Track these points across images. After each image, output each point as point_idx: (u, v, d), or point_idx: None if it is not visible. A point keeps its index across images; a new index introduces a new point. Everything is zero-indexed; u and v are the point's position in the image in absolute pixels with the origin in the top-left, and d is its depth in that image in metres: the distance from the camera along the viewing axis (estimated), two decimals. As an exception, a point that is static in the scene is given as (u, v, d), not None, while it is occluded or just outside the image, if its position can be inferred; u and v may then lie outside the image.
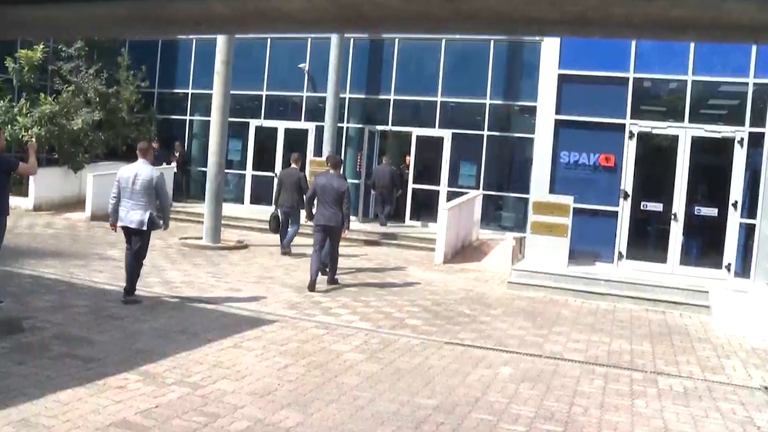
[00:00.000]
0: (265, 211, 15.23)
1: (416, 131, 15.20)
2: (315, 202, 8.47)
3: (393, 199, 14.52)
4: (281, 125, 16.30)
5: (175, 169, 15.72)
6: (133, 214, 6.72)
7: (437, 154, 15.01)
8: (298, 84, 16.12)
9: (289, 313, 6.87)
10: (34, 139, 7.48)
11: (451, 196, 14.20)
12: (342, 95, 15.21)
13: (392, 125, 15.43)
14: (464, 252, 12.17)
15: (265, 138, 16.98)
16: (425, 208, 15.34)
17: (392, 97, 15.30)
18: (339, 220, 8.25)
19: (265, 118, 16.48)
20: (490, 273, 10.54)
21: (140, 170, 6.78)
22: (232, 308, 6.87)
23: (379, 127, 15.49)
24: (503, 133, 14.57)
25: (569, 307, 8.36)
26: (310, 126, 16.00)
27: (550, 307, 8.21)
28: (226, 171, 14.34)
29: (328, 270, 8.54)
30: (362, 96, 15.77)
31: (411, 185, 15.06)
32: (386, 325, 6.70)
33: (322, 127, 15.04)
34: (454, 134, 14.77)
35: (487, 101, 14.48)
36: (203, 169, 15.86)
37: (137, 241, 6.78)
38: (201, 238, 11.41)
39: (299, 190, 10.43)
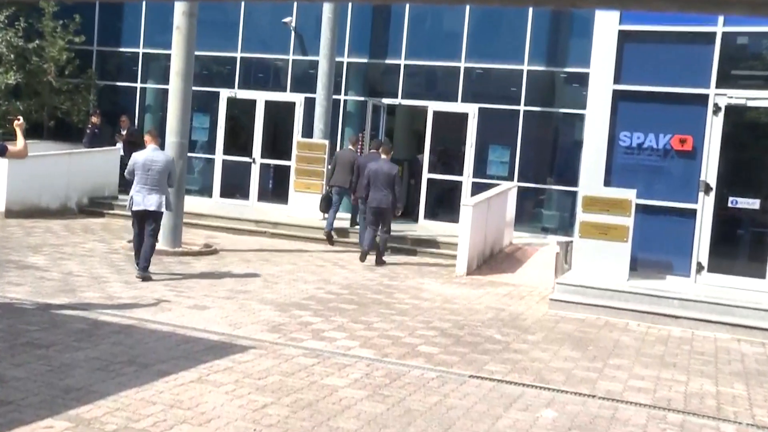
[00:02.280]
0: (241, 207, 15.41)
1: (433, 105, 15.21)
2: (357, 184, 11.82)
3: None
4: (260, 97, 16.33)
5: (121, 152, 15.67)
6: (151, 198, 9.11)
7: (459, 135, 15.00)
8: (282, 44, 16.12)
9: (269, 337, 6.85)
10: (21, 118, 7.67)
11: (476, 189, 14.20)
12: (338, 59, 15.24)
13: (403, 98, 15.43)
14: (493, 260, 12.20)
15: (240, 113, 17.01)
16: (443, 205, 15.33)
17: (402, 61, 15.30)
18: (390, 202, 11.32)
19: (240, 88, 16.52)
20: (526, 287, 10.53)
21: (155, 156, 9.25)
22: (196, 331, 6.85)
23: (387, 101, 15.49)
24: (545, 108, 14.56)
25: (631, 332, 8.30)
26: (298, 98, 16.02)
27: (605, 333, 8.16)
28: (189, 155, 14.39)
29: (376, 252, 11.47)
30: (364, 60, 15.75)
31: (425, 175, 15.06)
32: (394, 353, 6.68)
33: (313, 99, 15.05)
34: (481, 110, 14.77)
35: (525, 67, 14.46)
36: (160, 152, 15.90)
37: (152, 223, 9.22)
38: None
39: (353, 172, 12.41)
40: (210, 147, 16.70)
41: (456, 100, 14.96)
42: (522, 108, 14.51)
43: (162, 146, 10.03)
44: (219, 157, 16.58)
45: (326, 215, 13.04)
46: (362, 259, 11.29)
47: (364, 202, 11.58)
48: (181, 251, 11.13)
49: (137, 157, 9.27)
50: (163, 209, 9.25)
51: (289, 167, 15.57)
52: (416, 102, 15.57)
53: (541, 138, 14.81)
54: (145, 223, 9.18)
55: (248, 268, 10.37)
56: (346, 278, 10.15)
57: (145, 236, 9.17)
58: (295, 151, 14.97)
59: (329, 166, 13.49)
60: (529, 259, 12.37)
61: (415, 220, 14.95)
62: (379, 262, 11.49)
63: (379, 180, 11.30)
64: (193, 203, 14.23)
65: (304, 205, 14.48)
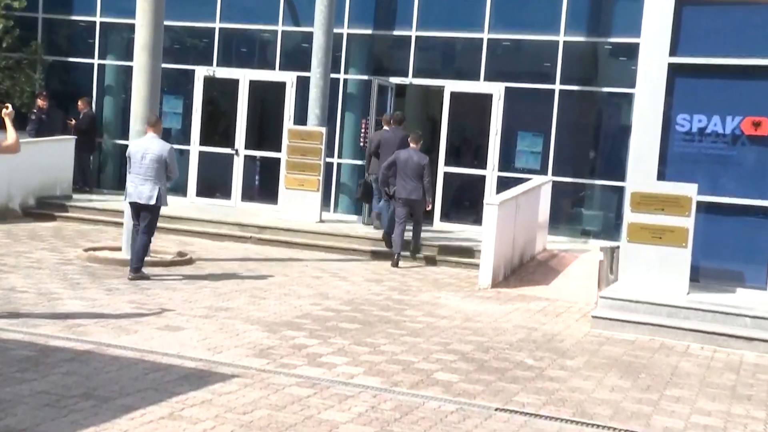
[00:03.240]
0: (222, 208, 15.43)
1: (451, 85, 15.21)
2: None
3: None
4: (244, 75, 16.35)
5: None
6: (143, 189, 10.00)
7: (482, 121, 14.96)
8: (270, 13, 16.14)
9: (255, 363, 6.82)
10: (10, 106, 7.74)
11: (503, 184, 14.20)
12: (337, 30, 15.27)
13: (414, 76, 15.42)
14: (524, 270, 12.18)
15: (220, 95, 17.02)
16: (464, 203, 15.30)
17: (414, 33, 15.30)
18: (421, 194, 12.29)
19: (219, 65, 16.54)
20: (564, 302, 10.49)
21: (150, 144, 10.10)
22: (167, 357, 6.83)
23: (395, 80, 15.48)
24: (585, 86, 14.53)
25: (692, 357, 8.24)
26: (289, 77, 16.03)
27: (660, 358, 8.10)
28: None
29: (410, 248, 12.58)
30: (368, 31, 15.74)
31: (442, 168, 15.05)
32: (405, 381, 6.64)
33: (307, 79, 15.05)
34: (508, 90, 14.75)
35: (561, 38, 14.44)
36: (122, 142, 15.92)
37: (146, 217, 10.11)
38: (119, 249, 11.49)
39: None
40: (184, 136, 16.73)
41: (478, 79, 14.93)
42: (557, 87, 14.47)
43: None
44: (195, 148, 16.60)
45: (370, 221, 14.10)
46: (395, 263, 12.23)
47: (383, 187, 12.87)
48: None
49: (132, 146, 10.29)
50: (154, 202, 10.03)
51: (278, 160, 15.57)
52: (430, 81, 15.53)
53: (581, 123, 14.76)
54: (141, 216, 10.17)
55: (231, 281, 10.35)
56: (347, 292, 10.12)
57: (139, 233, 10.17)
58: (286, 141, 14.97)
59: (367, 152, 14.08)
60: (567, 268, 12.34)
61: (430, 221, 14.92)
62: (415, 258, 12.60)
63: (409, 170, 12.25)
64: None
65: (297, 205, 14.47)
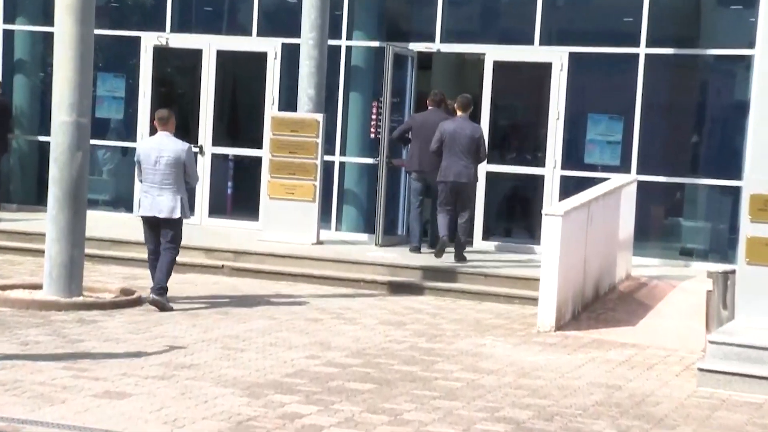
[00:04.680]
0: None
1: (494, 52, 15.25)
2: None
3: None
4: (209, 44, 16.46)
5: None
6: (162, 200, 11.07)
7: (538, 99, 14.92)
8: (243, -43, 16.19)
9: (229, 441, 6.77)
10: None
11: (568, 187, 14.18)
12: (336, -19, 15.33)
13: (443, 41, 15.42)
14: (601, 305, 12.19)
15: (177, 72, 17.08)
16: (514, 215, 15.26)
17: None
18: (472, 175, 13.41)
19: (175, 30, 16.57)
20: (658, 349, 10.46)
21: (164, 145, 11.17)
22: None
23: (417, 46, 15.52)
24: (681, 49, 14.47)
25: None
26: (271, 45, 16.08)
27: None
28: (94, 143, 14.37)
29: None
30: (378, -17, 15.80)
31: (482, 167, 14.98)
32: (440, 465, 6.58)
33: (296, 47, 15.04)
34: (574, 57, 14.76)
35: (647, -13, 14.39)
36: (42, 138, 15.95)
37: (168, 233, 11.21)
38: (40, 287, 11.50)
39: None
40: (128, 129, 16.83)
41: (532, 43, 14.94)
42: (643, 51, 14.42)
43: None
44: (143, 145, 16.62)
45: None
46: (439, 254, 13.47)
47: (419, 178, 14.19)
48: (83, 302, 11.15)
49: (141, 147, 11.56)
50: (178, 215, 11.15)
51: (259, 160, 15.61)
52: (466, 47, 15.54)
53: (677, 100, 14.72)
54: (160, 234, 11.24)
55: (195, 327, 10.33)
56: (356, 339, 10.10)
57: (161, 250, 11.22)
58: (268, 134, 14.99)
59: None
60: (661, 301, 12.31)
61: (469, 240, 14.90)
62: (460, 257, 13.55)
63: (458, 145, 13.26)
64: (101, 223, 14.25)
65: (285, 221, 14.52)
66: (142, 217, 11.36)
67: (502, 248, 14.73)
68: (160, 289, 11.01)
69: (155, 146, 11.27)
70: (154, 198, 11.10)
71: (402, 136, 14.17)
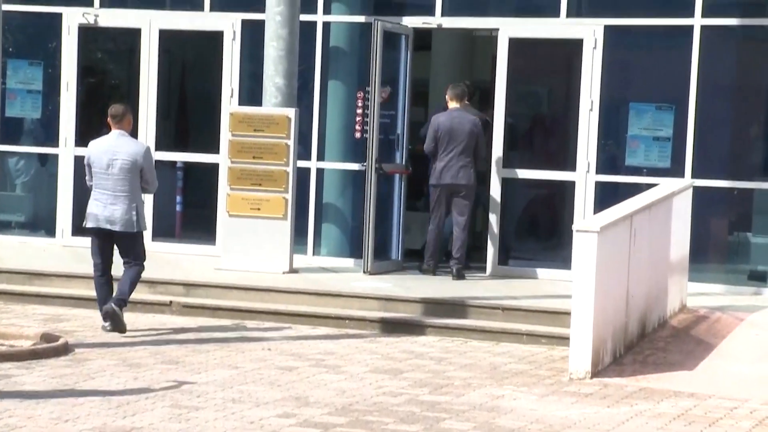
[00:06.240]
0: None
1: (510, 27, 15.30)
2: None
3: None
4: (150, 21, 16.47)
5: None
6: (114, 210, 11.64)
7: (566, 85, 14.98)
8: None
9: None
10: None
11: (605, 194, 14.22)
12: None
13: (446, 14, 15.51)
14: (649, 344, 12.18)
15: (110, 57, 17.05)
16: (538, 231, 15.28)
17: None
18: (471, 177, 14.36)
19: (105, 4, 16.57)
20: (721, 399, 10.41)
21: (118, 146, 11.74)
22: None
23: (413, 21, 15.62)
24: (746, 18, 14.50)
25: None
26: (229, 23, 16.11)
27: None
28: (2, 149, 14.31)
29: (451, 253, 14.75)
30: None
31: (498, 171, 15.09)
32: None
33: (260, 24, 15.08)
34: (610, 30, 14.79)
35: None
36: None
37: (127, 249, 11.97)
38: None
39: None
40: (47, 132, 16.82)
41: (557, 15, 14.99)
42: (698, 22, 14.46)
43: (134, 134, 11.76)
44: (67, 151, 16.71)
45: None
46: (431, 270, 14.74)
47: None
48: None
49: (91, 149, 12.01)
50: (135, 228, 11.83)
51: (215, 167, 15.63)
52: (474, 21, 15.59)
53: (743, 84, 14.75)
54: (115, 248, 12.00)
55: (137, 381, 10.29)
56: (341, 392, 10.06)
57: (123, 269, 11.94)
58: (227, 134, 14.99)
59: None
60: (725, 339, 12.26)
61: (481, 264, 14.98)
62: (459, 275, 14.42)
63: (456, 140, 14.23)
64: (15, 252, 14.23)
65: (249, 244, 14.56)
66: (92, 229, 11.90)
67: (523, 274, 14.72)
68: (121, 300, 11.76)
69: (108, 148, 11.80)
70: (105, 206, 11.68)
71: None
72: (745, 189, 14.58)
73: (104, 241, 11.95)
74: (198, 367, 10.93)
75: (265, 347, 11.97)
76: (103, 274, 11.99)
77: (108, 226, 11.75)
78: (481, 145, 14.47)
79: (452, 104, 14.58)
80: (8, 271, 13.02)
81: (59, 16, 16.60)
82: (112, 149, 11.77)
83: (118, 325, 11.67)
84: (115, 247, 12.12)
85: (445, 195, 14.53)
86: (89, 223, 11.86)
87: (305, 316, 13.11)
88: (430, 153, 14.61)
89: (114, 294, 11.85)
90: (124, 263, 11.97)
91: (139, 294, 13.63)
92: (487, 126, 15.30)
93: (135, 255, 11.97)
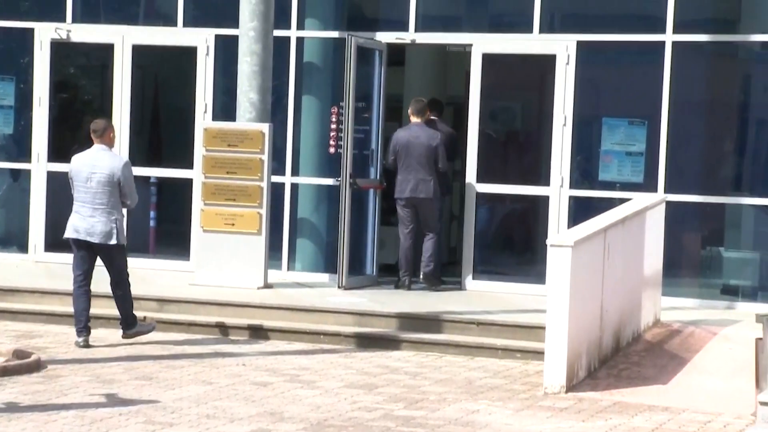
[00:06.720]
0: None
1: (483, 42, 15.33)
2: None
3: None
4: (123, 36, 16.46)
5: None
6: (94, 223, 12.01)
7: (540, 101, 14.99)
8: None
9: None
10: None
11: (579, 209, 14.27)
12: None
13: (419, 29, 15.55)
14: (623, 358, 12.22)
15: (82, 72, 16.99)
16: (512, 247, 15.26)
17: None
18: (431, 190, 14.70)
19: (78, 20, 16.57)
20: (694, 413, 10.43)
21: (98, 160, 12.10)
22: None
23: (386, 36, 15.63)
24: (718, 35, 14.55)
25: None
26: (202, 38, 16.11)
27: None
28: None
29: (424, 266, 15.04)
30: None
31: (472, 185, 15.21)
32: None
33: (234, 39, 15.07)
34: (583, 46, 14.85)
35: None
36: None
37: (109, 262, 12.26)
38: None
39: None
40: (19, 147, 16.77)
41: (530, 30, 15.03)
42: (669, 38, 14.51)
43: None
44: (40, 167, 16.69)
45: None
46: (406, 285, 15.03)
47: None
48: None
49: (73, 162, 12.38)
50: (114, 241, 12.11)
51: (189, 183, 15.60)
52: (448, 37, 15.60)
53: (714, 99, 14.79)
54: (96, 261, 12.33)
55: (110, 397, 10.25)
56: (316, 407, 10.04)
57: (111, 286, 12.43)
58: (200, 150, 14.97)
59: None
60: (698, 353, 12.29)
61: (456, 279, 15.01)
62: (434, 283, 14.99)
63: (413, 156, 14.66)
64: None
65: (223, 259, 14.55)
66: (72, 240, 12.20)
67: (498, 289, 14.71)
68: (131, 326, 12.50)
69: (88, 161, 12.17)
70: (84, 219, 12.05)
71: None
72: (717, 204, 14.63)
73: (85, 252, 12.19)
74: (172, 383, 10.91)
75: (240, 363, 11.96)
76: (81, 287, 12.12)
77: (87, 238, 12.04)
78: (440, 159, 14.75)
79: (413, 119, 15.00)
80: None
81: (31, 31, 16.57)
82: (91, 163, 12.11)
83: (148, 332, 12.64)
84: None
85: (410, 208, 14.93)
86: (69, 234, 12.17)
87: (280, 331, 13.09)
88: (390, 167, 15.17)
89: (122, 318, 12.47)
90: (111, 283, 12.37)
91: (111, 309, 13.62)
92: (454, 140, 15.40)
93: (118, 271, 12.27)
